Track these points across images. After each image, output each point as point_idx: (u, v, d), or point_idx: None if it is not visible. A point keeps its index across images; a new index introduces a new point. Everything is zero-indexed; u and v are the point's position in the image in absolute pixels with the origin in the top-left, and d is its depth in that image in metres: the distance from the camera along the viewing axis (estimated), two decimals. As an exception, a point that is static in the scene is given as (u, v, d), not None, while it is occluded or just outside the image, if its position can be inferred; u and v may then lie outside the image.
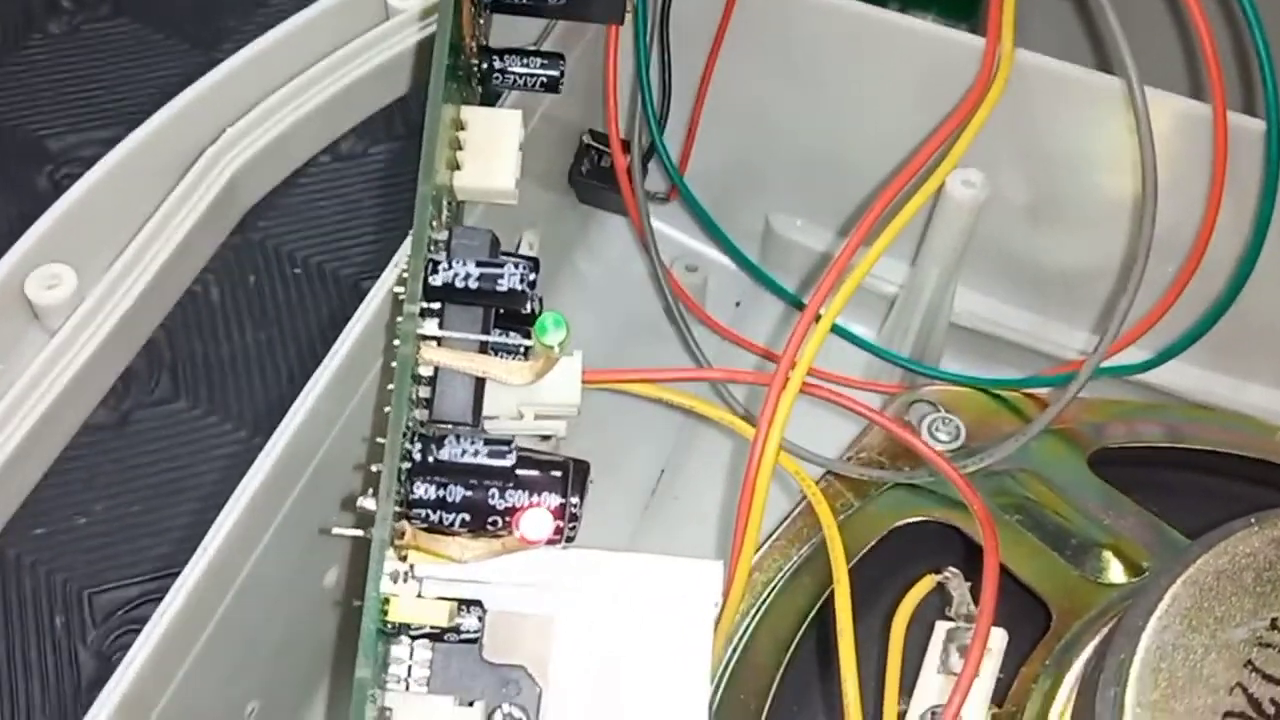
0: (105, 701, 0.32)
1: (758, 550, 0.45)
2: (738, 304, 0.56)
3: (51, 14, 0.55)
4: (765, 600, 0.44)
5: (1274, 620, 0.32)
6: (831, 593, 0.42)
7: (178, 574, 0.34)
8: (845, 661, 0.34)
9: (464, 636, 0.35)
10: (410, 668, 0.34)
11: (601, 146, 0.51)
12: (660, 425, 0.53)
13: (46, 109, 0.51)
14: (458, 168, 0.36)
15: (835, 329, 0.53)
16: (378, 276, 0.42)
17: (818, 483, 0.46)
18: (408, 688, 0.34)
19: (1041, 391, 0.48)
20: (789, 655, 0.41)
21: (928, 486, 0.44)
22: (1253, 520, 0.34)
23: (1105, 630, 0.36)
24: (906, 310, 0.50)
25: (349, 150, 0.48)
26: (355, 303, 0.44)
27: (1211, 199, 0.43)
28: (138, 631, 0.38)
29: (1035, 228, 0.49)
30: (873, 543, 0.43)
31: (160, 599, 0.38)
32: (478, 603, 0.35)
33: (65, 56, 0.53)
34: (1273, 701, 0.31)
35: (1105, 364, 0.46)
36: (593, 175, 0.51)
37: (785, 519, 0.46)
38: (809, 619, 0.42)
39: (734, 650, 0.43)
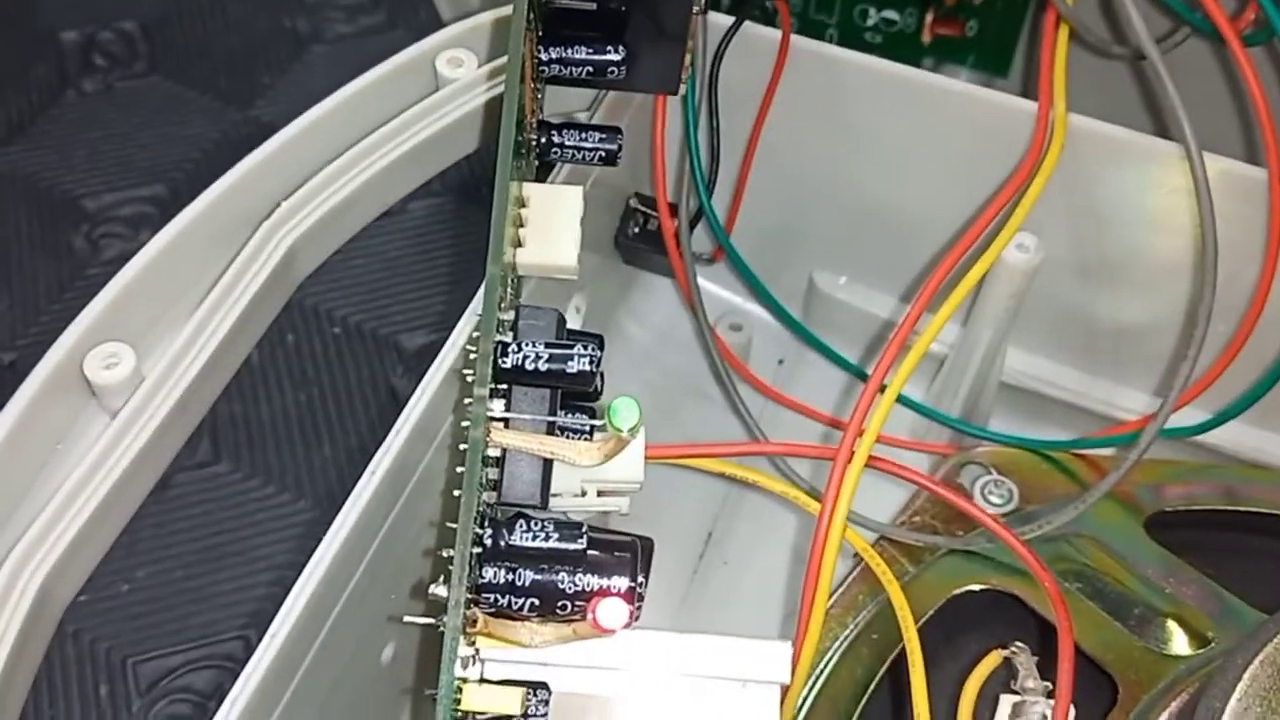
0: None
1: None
2: (781, 362, 0.56)
3: (85, 72, 0.55)
4: (822, 672, 0.43)
5: (1356, 704, 0.32)
6: (893, 663, 0.42)
7: (220, 641, 0.34)
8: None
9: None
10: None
11: (648, 210, 0.51)
12: (703, 488, 0.53)
13: (81, 168, 0.51)
14: (520, 244, 0.36)
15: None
16: (416, 331, 0.42)
17: (875, 543, 0.46)
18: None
19: (1092, 452, 0.48)
20: (850, 727, 0.41)
21: (985, 553, 0.44)
22: (1329, 596, 0.33)
23: (1175, 704, 0.36)
24: (956, 371, 0.50)
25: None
26: (394, 361, 0.44)
27: (1268, 260, 0.43)
28: (182, 701, 0.38)
29: (1086, 287, 0.49)
30: (931, 611, 0.43)
31: (204, 668, 0.38)
32: (544, 685, 0.35)
33: (100, 114, 0.53)
34: (1357, 790, 0.30)
35: (1170, 427, 0.46)
36: (639, 239, 0.51)
37: (839, 586, 0.45)
38: (869, 691, 0.42)
39: (794, 723, 0.42)
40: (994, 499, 0.47)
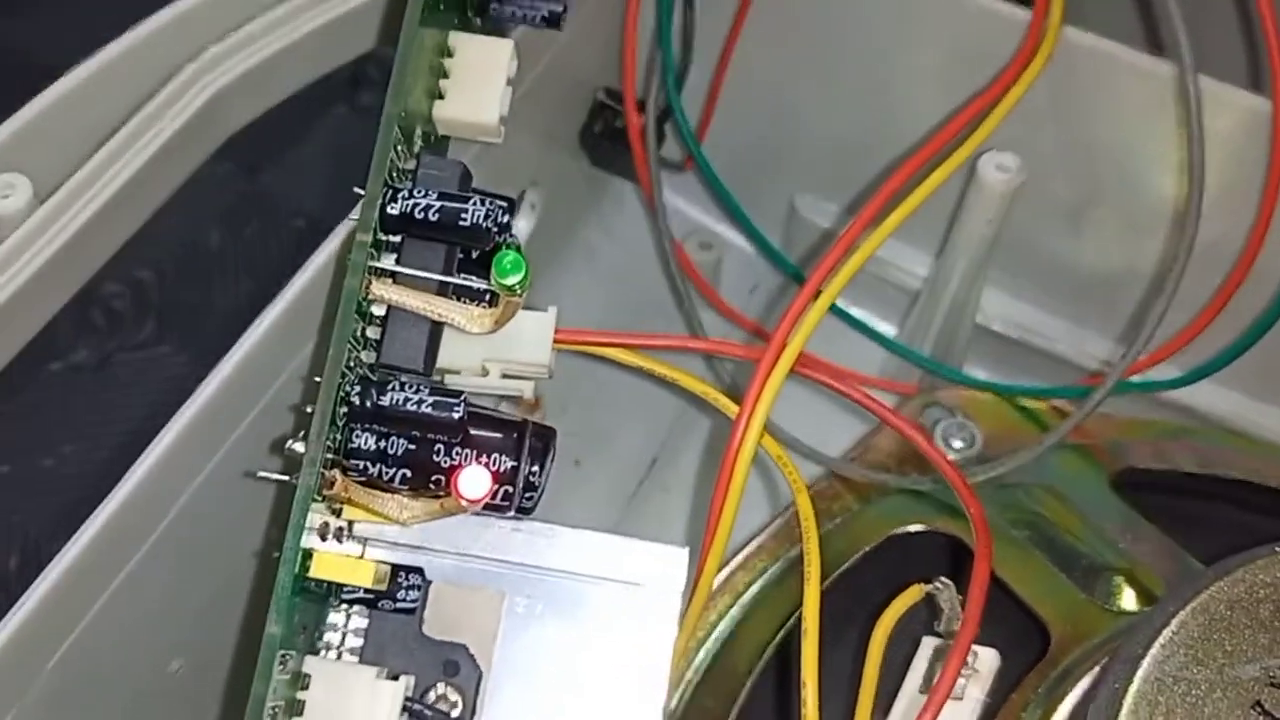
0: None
1: (744, 548, 0.42)
2: (753, 290, 0.53)
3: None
4: (748, 602, 0.41)
5: (1292, 660, 0.28)
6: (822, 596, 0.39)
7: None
8: (808, 666, 0.31)
9: (400, 606, 0.32)
10: (344, 636, 0.32)
11: (616, 106, 0.47)
12: (656, 411, 0.50)
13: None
14: (440, 96, 0.34)
15: (853, 323, 0.50)
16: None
17: (818, 483, 0.43)
18: (339, 657, 0.31)
19: (1068, 404, 0.45)
20: (763, 662, 0.38)
21: (934, 494, 0.41)
22: (1277, 549, 0.30)
23: (1107, 660, 0.33)
24: (930, 305, 0.46)
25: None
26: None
27: (1264, 205, 0.40)
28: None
29: (1075, 227, 0.46)
30: (866, 549, 0.40)
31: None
32: (418, 571, 0.32)
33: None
34: (1283, 750, 0.27)
35: (1136, 379, 0.43)
36: (606, 136, 0.48)
37: (775, 517, 0.43)
38: (788, 625, 0.39)
39: (710, 653, 0.40)
40: (955, 443, 0.44)
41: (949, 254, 0.44)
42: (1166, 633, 0.29)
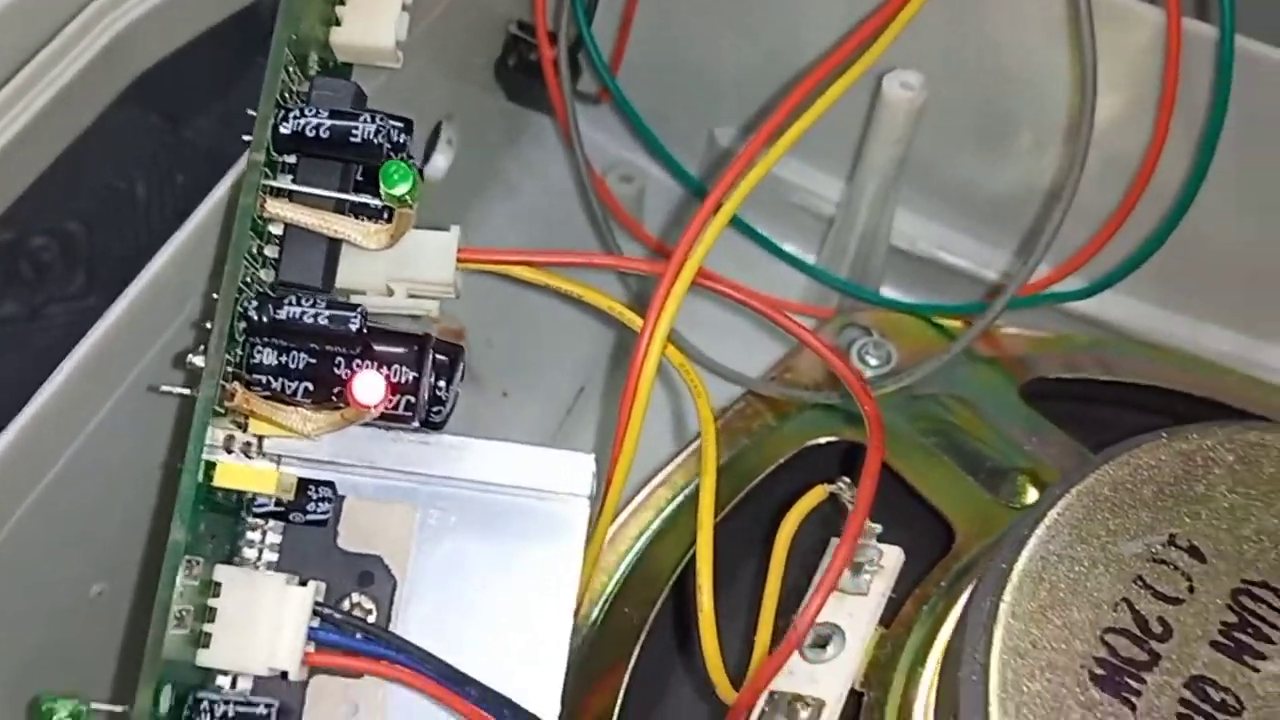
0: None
1: (666, 466, 0.43)
2: (676, 221, 0.53)
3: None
4: (669, 515, 0.42)
5: (1172, 536, 0.29)
6: (732, 510, 0.40)
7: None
8: (702, 566, 0.31)
9: (311, 518, 0.33)
10: (261, 551, 0.33)
11: (529, 38, 0.48)
12: (583, 342, 0.50)
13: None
14: (336, 23, 0.34)
15: (775, 250, 0.50)
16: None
17: (738, 402, 0.44)
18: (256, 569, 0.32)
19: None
20: (679, 572, 0.39)
21: (844, 407, 0.42)
22: (1164, 434, 0.31)
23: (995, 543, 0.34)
24: (844, 229, 0.47)
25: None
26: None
27: (1161, 116, 0.40)
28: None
29: (982, 145, 0.46)
30: (780, 461, 0.41)
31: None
32: (329, 484, 0.33)
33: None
34: (1160, 620, 0.28)
35: (1044, 292, 0.44)
36: (520, 70, 0.48)
37: (692, 442, 0.43)
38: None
39: (630, 566, 0.41)
40: (871, 360, 0.44)
41: (859, 176, 0.45)
42: (1052, 514, 0.29)
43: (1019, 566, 0.29)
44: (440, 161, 0.47)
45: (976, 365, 0.43)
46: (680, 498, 0.42)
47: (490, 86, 0.50)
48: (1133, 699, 0.27)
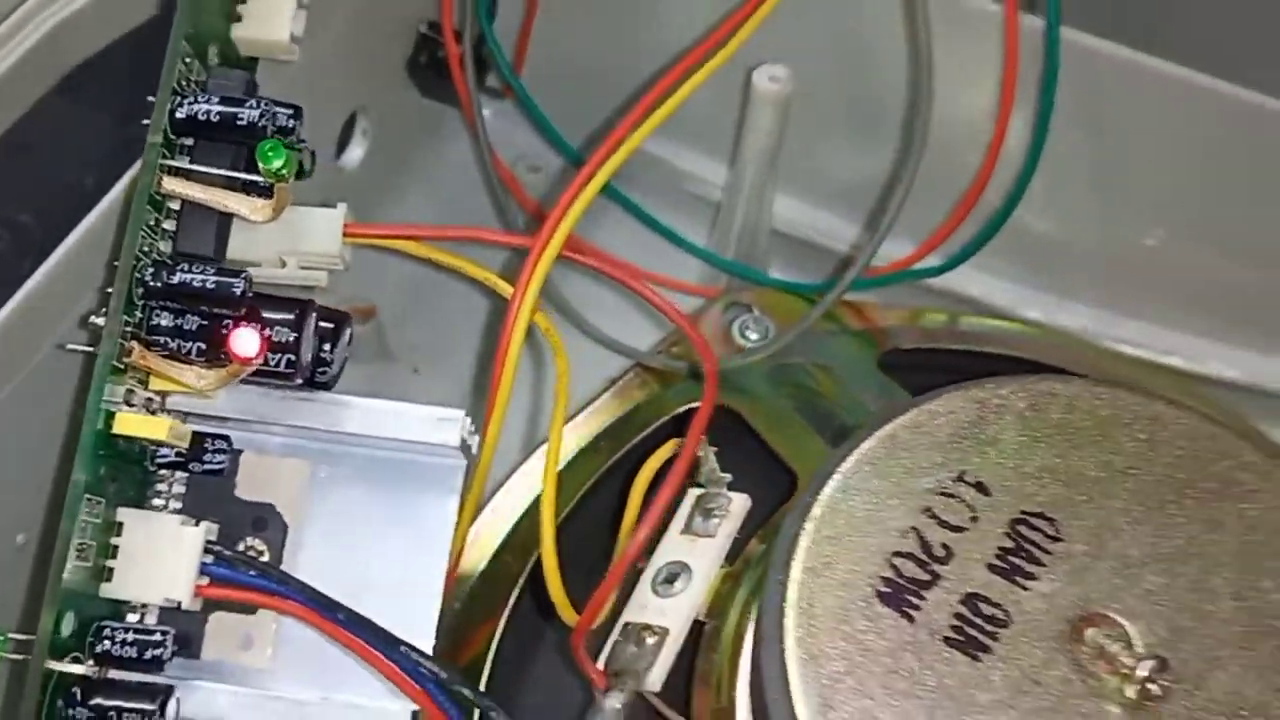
0: None
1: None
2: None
3: None
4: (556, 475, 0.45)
5: (961, 473, 0.33)
6: (614, 465, 0.44)
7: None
8: (546, 502, 0.35)
9: (208, 467, 0.36)
10: (169, 500, 0.36)
11: (438, 37, 0.51)
12: (492, 322, 0.54)
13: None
14: (237, 19, 0.38)
15: (669, 235, 0.54)
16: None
17: (625, 373, 0.48)
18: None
19: (859, 299, 0.50)
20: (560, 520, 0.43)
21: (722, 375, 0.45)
22: (964, 385, 0.35)
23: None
24: (727, 214, 0.51)
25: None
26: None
27: (1003, 103, 0.44)
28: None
29: (857, 133, 0.50)
30: (659, 423, 0.45)
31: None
32: (225, 438, 0.36)
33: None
34: (944, 546, 0.32)
35: (904, 270, 0.48)
36: (431, 67, 0.52)
37: (593, 399, 0.47)
38: (582, 493, 0.43)
39: (514, 522, 0.44)
40: (752, 335, 0.48)
41: (738, 164, 0.49)
42: (855, 453, 0.33)
43: (821, 498, 0.32)
44: (355, 151, 0.51)
45: (844, 337, 0.47)
46: (570, 457, 0.45)
47: (405, 83, 0.53)
48: (912, 613, 0.31)
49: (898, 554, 0.32)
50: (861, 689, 0.30)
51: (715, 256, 0.52)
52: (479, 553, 0.43)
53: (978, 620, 0.31)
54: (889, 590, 0.31)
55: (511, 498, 0.45)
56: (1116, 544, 0.32)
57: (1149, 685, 0.30)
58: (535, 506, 0.44)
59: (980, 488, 0.33)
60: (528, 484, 0.45)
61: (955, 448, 0.33)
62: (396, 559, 0.37)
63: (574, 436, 0.46)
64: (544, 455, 0.45)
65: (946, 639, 0.31)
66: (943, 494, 0.33)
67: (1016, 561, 0.32)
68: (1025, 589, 0.31)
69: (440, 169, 0.57)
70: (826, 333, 0.47)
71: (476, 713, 0.36)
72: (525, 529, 0.43)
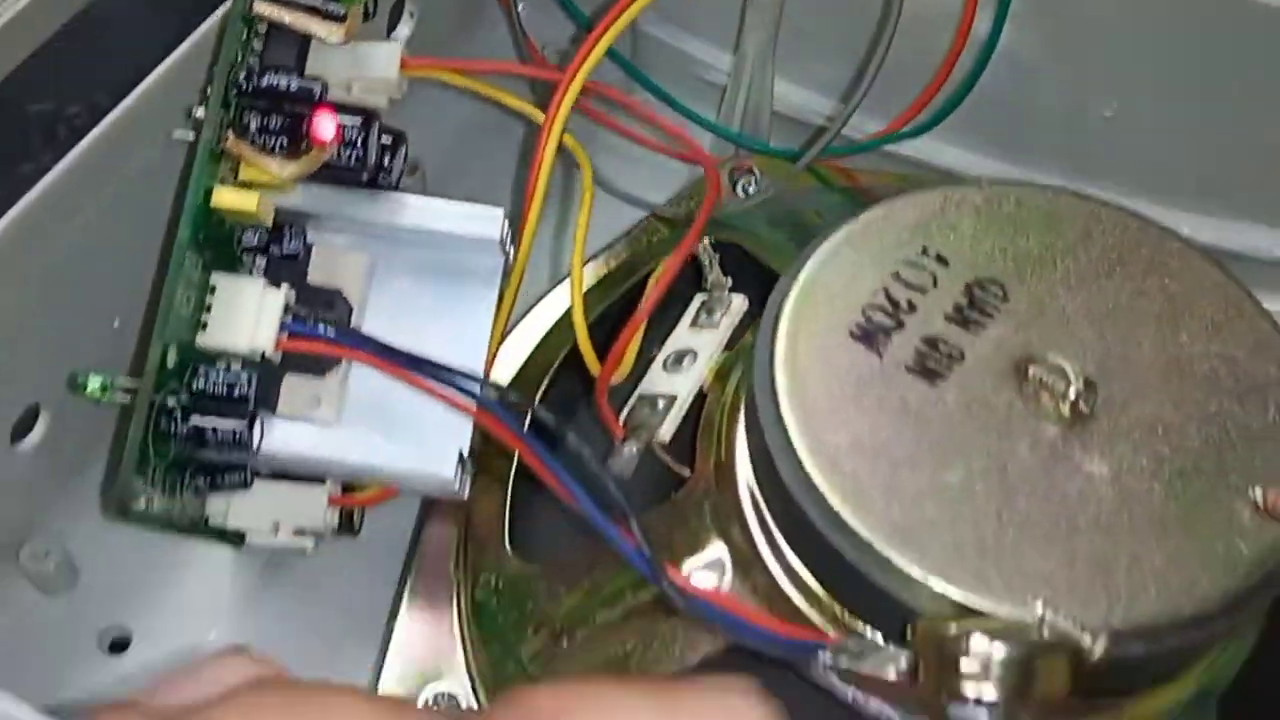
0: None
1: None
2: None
3: None
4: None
5: (925, 247, 0.39)
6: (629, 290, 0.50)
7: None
8: (575, 277, 0.41)
9: (286, 252, 0.42)
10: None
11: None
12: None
13: None
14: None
15: (683, 110, 0.60)
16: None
17: (640, 223, 0.54)
18: (244, 278, 0.42)
19: (851, 165, 0.56)
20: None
21: (724, 219, 0.52)
22: (931, 187, 0.41)
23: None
24: (734, 91, 0.57)
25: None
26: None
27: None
28: None
29: (844, 21, 0.56)
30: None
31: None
32: (300, 228, 0.42)
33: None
34: (909, 302, 0.38)
35: (884, 137, 0.54)
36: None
37: (615, 241, 0.54)
38: (601, 309, 0.49)
39: (546, 332, 0.51)
40: (751, 191, 0.54)
41: (742, 47, 0.55)
42: (837, 234, 0.39)
43: (806, 267, 0.39)
44: (403, 30, 0.57)
45: (833, 192, 0.54)
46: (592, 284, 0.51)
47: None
48: (880, 350, 0.37)
49: (870, 306, 0.38)
50: (838, 409, 0.36)
51: (723, 128, 0.58)
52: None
53: (936, 354, 0.37)
54: (861, 333, 0.37)
55: (540, 319, 0.51)
56: (1055, 305, 0.38)
57: (1081, 405, 0.36)
58: (562, 321, 0.50)
59: (940, 259, 0.39)
60: (552, 313, 0.52)
61: (920, 230, 0.40)
62: (445, 342, 0.43)
63: (592, 271, 0.53)
64: (569, 286, 0.52)
65: (908, 368, 0.37)
66: (908, 263, 0.39)
67: (970, 315, 0.38)
68: (976, 336, 0.37)
69: (479, 53, 0.62)
70: (820, 189, 0.53)
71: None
72: (559, 326, 0.50)
